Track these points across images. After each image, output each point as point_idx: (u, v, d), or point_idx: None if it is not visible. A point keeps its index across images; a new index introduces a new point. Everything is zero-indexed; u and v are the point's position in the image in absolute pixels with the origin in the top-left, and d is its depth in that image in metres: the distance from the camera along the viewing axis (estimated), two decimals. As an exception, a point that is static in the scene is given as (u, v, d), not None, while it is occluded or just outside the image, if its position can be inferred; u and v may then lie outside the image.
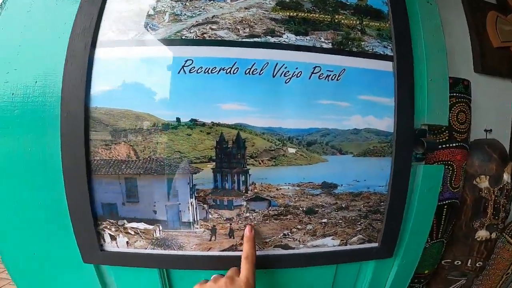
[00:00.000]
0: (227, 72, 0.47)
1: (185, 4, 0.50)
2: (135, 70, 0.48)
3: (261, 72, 0.48)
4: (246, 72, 0.47)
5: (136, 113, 0.47)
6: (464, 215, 0.69)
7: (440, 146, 0.62)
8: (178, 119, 0.47)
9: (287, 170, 0.50)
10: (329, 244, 0.54)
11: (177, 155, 0.48)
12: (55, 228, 0.51)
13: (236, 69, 0.47)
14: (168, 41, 0.48)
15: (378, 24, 0.54)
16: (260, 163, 0.50)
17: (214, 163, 0.49)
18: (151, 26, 0.49)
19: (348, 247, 0.55)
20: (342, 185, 0.52)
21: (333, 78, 0.49)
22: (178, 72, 0.47)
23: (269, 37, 0.49)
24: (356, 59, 0.52)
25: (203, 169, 0.49)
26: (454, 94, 0.63)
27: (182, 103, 0.47)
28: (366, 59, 0.52)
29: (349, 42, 0.52)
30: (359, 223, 0.55)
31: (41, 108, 0.49)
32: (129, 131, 0.48)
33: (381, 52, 0.53)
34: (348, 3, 0.54)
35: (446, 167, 0.62)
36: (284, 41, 0.50)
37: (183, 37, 0.48)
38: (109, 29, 0.49)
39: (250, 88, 0.47)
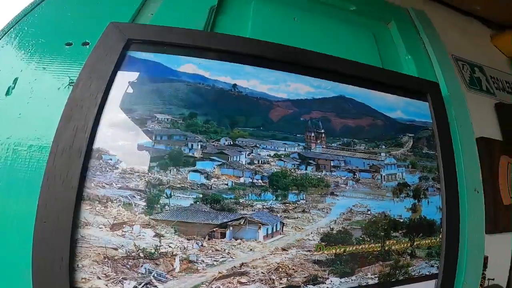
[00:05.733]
0: None
1: (202, 245, 0.38)
2: None
3: None
4: None
5: None
6: None
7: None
8: None
9: None
10: None
11: None
12: None
13: None
14: (181, 302, 0.36)
15: (429, 241, 0.48)
16: None
17: None
18: (156, 275, 0.36)
19: None
20: None
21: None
22: None
23: (310, 286, 0.40)
24: (402, 288, 0.45)
25: None
26: None
27: None
28: (411, 285, 0.46)
29: (397, 272, 0.45)
30: None
31: None
32: None
33: (427, 273, 0.47)
34: (401, 220, 0.47)
35: None
36: (327, 287, 0.40)
37: (203, 296, 0.36)
38: (93, 274, 0.35)
39: None
